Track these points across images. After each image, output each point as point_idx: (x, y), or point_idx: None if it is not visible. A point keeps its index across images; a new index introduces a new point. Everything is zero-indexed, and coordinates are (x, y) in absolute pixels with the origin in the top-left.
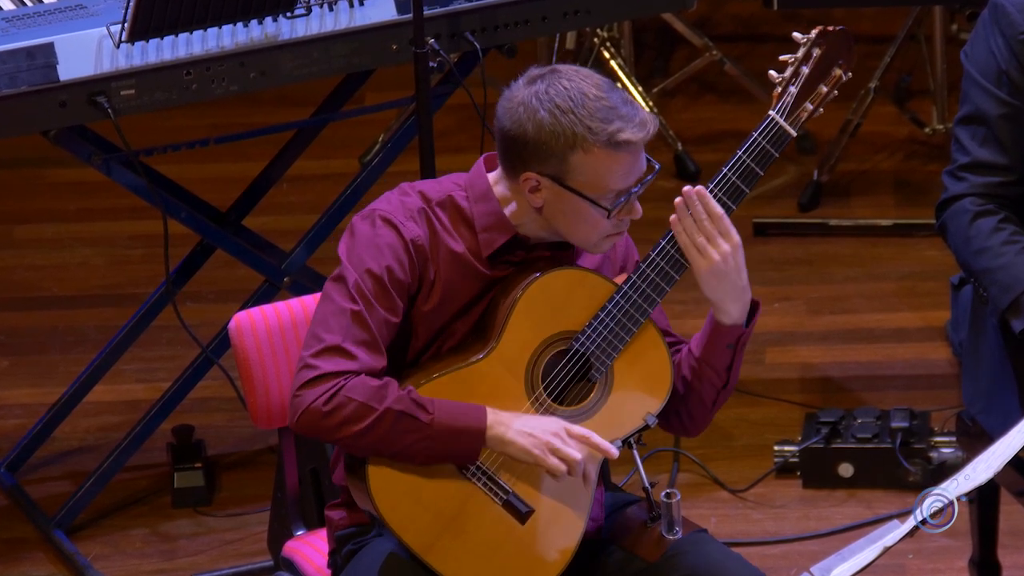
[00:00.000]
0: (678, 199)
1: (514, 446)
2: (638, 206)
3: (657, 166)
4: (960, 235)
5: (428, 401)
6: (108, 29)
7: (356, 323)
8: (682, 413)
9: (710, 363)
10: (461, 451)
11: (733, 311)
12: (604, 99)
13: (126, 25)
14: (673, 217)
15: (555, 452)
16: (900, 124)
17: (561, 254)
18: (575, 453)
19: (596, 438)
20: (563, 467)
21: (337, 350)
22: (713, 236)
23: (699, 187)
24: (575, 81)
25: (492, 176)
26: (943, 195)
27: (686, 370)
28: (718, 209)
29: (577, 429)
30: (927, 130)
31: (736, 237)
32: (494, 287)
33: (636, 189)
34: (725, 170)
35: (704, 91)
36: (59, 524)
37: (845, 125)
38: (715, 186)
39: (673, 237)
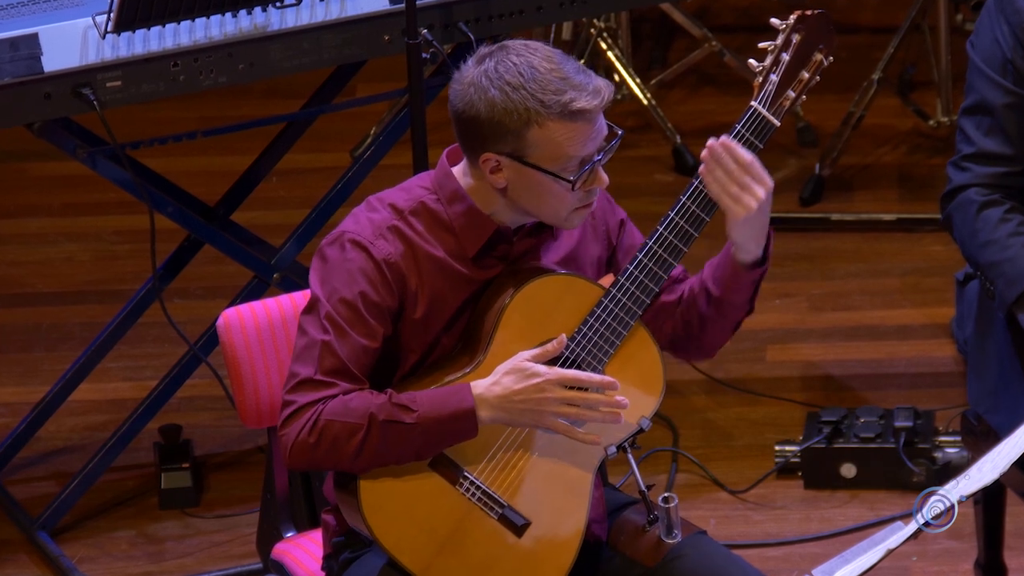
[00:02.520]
0: (705, 152)
1: (514, 423)
2: (603, 175)
3: (620, 132)
4: (966, 227)
5: (410, 399)
6: (94, 19)
7: (327, 354)
8: (703, 342)
9: (733, 299)
10: (458, 434)
11: (756, 249)
12: (555, 70)
13: (112, 15)
14: (702, 168)
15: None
16: (904, 116)
17: (542, 239)
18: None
19: (583, 375)
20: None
21: (310, 383)
22: (747, 184)
23: (723, 138)
24: (524, 56)
25: (458, 170)
26: (948, 186)
27: (703, 308)
28: (747, 156)
29: (564, 374)
30: (931, 123)
31: (769, 180)
32: (481, 292)
33: (599, 157)
34: None
35: (703, 83)
36: (43, 526)
37: (848, 117)
38: (699, 182)
39: (656, 239)
